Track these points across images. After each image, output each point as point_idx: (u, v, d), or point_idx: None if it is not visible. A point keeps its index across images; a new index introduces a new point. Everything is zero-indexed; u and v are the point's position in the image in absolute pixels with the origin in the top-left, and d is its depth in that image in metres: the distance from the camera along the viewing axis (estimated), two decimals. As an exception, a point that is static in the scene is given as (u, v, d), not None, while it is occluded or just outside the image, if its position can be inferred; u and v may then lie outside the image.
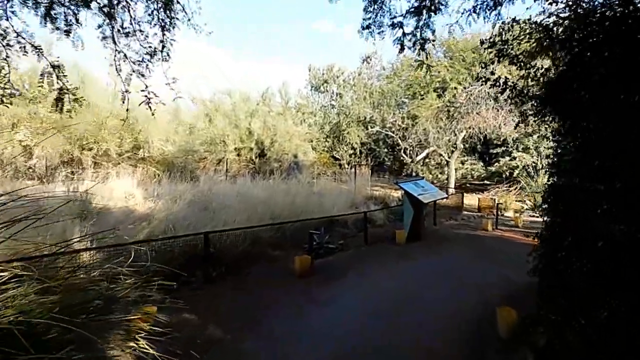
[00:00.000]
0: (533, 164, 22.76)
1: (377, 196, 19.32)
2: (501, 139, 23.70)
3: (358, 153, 30.26)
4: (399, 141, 24.66)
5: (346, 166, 28.85)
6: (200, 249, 8.02)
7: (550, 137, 6.87)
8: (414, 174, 27.88)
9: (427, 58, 6.91)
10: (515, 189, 23.76)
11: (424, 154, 25.01)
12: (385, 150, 29.99)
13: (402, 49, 6.52)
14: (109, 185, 15.03)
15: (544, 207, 6.02)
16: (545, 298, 5.25)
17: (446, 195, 14.05)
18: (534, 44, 5.51)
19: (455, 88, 23.55)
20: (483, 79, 6.20)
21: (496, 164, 25.50)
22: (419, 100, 25.49)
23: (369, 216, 14.68)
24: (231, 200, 13.29)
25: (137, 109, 22.91)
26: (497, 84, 6.21)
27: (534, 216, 18.10)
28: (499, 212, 16.46)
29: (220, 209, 11.77)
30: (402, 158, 25.72)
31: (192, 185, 17.24)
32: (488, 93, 22.56)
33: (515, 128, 12.45)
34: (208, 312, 6.41)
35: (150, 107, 6.00)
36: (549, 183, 6.01)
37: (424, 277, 8.50)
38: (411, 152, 24.84)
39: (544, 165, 20.89)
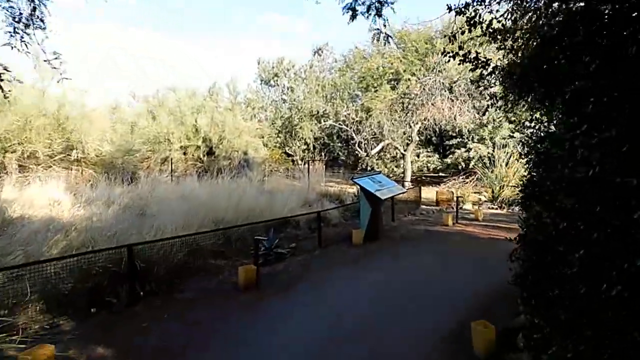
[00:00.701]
0: (489, 155, 22.42)
1: (331, 193, 18.40)
2: (456, 130, 23.27)
3: (311, 148, 29.32)
4: (353, 135, 23.86)
5: (299, 162, 27.86)
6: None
7: (531, 122, 6.15)
8: (369, 168, 27.20)
9: (385, 26, 5.94)
10: (471, 181, 23.43)
11: (379, 148, 24.31)
12: (340, 144, 29.19)
13: (353, 16, 5.52)
14: (33, 190, 13.44)
15: (526, 203, 5.23)
16: (535, 309, 4.39)
17: (404, 190, 13.30)
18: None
19: (409, 79, 22.96)
20: (450, 54, 5.27)
21: (452, 155, 25.12)
22: (373, 92, 24.81)
23: (323, 215, 13.76)
24: (173, 203, 12.06)
25: (71, 107, 21.31)
26: (467, 59, 5.30)
27: (492, 208, 17.67)
28: (458, 205, 15.87)
29: (160, 214, 10.53)
30: (356, 152, 24.93)
31: (132, 187, 15.84)
32: (442, 83, 22.12)
33: (483, 114, 11.67)
34: (124, 347, 5.27)
35: (1, 88, 4.69)
36: (530, 175, 5.23)
37: (384, 287, 7.60)
38: (366, 145, 24.11)
39: (501, 155, 20.59)
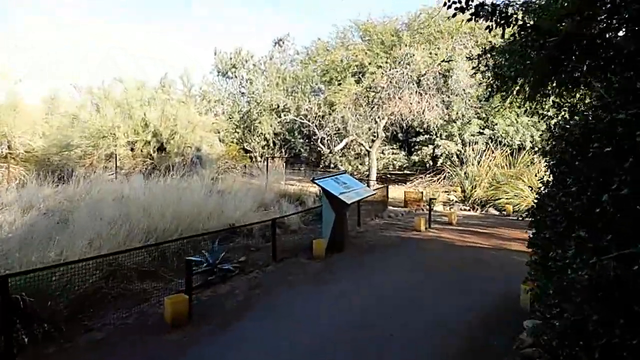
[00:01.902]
0: (458, 152, 21.35)
1: (291, 192, 16.87)
2: (424, 126, 22.10)
3: (271, 144, 27.64)
4: (316, 130, 22.35)
5: (259, 159, 26.18)
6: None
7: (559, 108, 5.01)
8: (332, 165, 25.80)
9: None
10: (439, 179, 22.33)
11: (342, 144, 22.90)
12: (302, 140, 27.64)
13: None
14: None
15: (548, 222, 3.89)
16: None
17: (373, 192, 11.87)
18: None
19: (374, 73, 21.64)
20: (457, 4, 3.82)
21: (418, 152, 23.96)
22: (336, 86, 23.38)
23: (281, 220, 12.24)
24: (107, 206, 10.25)
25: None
26: (482, 11, 3.87)
27: (465, 209, 16.52)
28: (428, 202, 14.58)
29: (79, 222, 8.72)
30: (319, 149, 23.44)
31: (65, 187, 13.89)
32: (410, 76, 20.88)
33: (487, 100, 10.43)
34: None
35: None
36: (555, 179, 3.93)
37: (352, 317, 6.11)
38: (329, 142, 22.63)
39: (470, 153, 19.51)
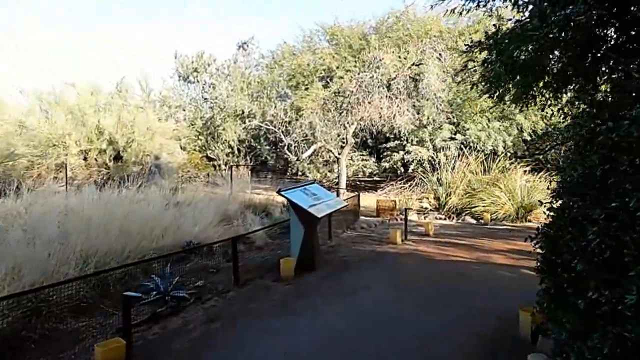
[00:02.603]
0: (430, 158, 20.70)
1: (257, 203, 15.83)
2: (394, 132, 21.38)
3: (236, 152, 26.46)
4: (282, 137, 21.31)
5: (223, 167, 24.97)
6: None
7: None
8: (300, 173, 24.84)
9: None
10: (410, 186, 21.65)
11: (310, 151, 21.93)
12: (268, 147, 26.54)
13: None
14: None
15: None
16: None
17: (345, 204, 10.92)
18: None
19: (342, 77, 20.86)
20: None
21: (389, 158, 23.23)
22: (303, 90, 22.51)
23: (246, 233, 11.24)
24: (49, 223, 9.00)
25: None
26: None
27: (440, 218, 15.80)
28: (403, 215, 13.78)
29: (17, 242, 7.49)
30: (285, 156, 22.41)
31: (3, 201, 12.49)
32: (380, 80, 20.16)
33: (493, 97, 9.65)
34: None
35: None
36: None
37: (325, 354, 5.14)
38: (296, 148, 21.63)
39: (442, 159, 18.89)
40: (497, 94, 9.18)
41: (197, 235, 10.30)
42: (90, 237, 8.12)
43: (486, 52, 6.00)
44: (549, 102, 9.24)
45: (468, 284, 7.96)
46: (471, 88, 9.78)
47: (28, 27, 54.67)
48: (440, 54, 20.69)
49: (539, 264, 4.34)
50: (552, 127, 24.69)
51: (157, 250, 9.06)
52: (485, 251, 10.70)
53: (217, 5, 62.71)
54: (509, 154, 20.15)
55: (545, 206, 4.21)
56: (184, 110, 26.57)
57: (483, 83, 9.14)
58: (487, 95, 9.62)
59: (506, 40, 4.90)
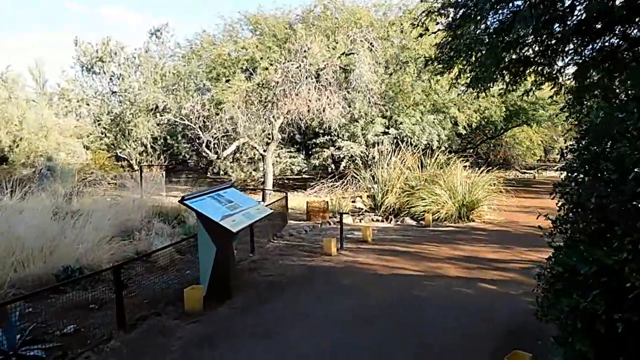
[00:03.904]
0: (362, 154, 19.33)
1: (170, 208, 13.63)
2: (324, 127, 19.82)
3: (150, 150, 23.81)
4: (200, 133, 19.06)
5: (137, 167, 22.31)
6: None
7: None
8: (222, 172, 22.68)
9: None
10: (342, 184, 20.20)
11: (232, 148, 19.81)
12: (187, 145, 24.08)
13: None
14: None
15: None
16: None
17: (269, 211, 9.01)
18: None
19: (267, 68, 19.01)
20: None
21: (319, 155, 21.65)
22: (224, 83, 20.43)
23: (148, 247, 9.24)
24: None
25: None
26: None
27: (377, 220, 14.36)
28: (337, 218, 12.07)
29: None
30: (205, 154, 20.16)
31: None
32: (308, 70, 18.48)
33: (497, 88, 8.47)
34: None
35: None
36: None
37: None
38: (216, 145, 19.45)
39: (375, 154, 17.54)
40: (451, 74, 7.75)
41: (82, 256, 8.12)
42: None
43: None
44: (509, 87, 7.98)
45: (424, 310, 6.43)
46: (425, 65, 8.35)
47: None
48: (371, 44, 19.35)
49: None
50: (486, 120, 24.34)
51: (20, 282, 6.87)
52: (433, 260, 9.29)
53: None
54: (444, 148, 19.21)
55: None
56: (87, 104, 23.49)
57: (437, 63, 7.70)
58: (439, 75, 8.19)
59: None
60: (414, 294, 7.19)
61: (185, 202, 6.79)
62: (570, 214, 3.68)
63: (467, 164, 15.44)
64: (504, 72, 7.22)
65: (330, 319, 6.16)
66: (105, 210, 11.34)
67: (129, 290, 6.93)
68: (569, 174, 3.65)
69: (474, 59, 7.39)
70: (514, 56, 7.23)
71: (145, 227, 11.23)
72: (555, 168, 31.89)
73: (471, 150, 27.19)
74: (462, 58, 7.37)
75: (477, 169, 15.53)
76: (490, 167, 15.97)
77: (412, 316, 6.21)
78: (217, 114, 19.45)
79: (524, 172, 31.47)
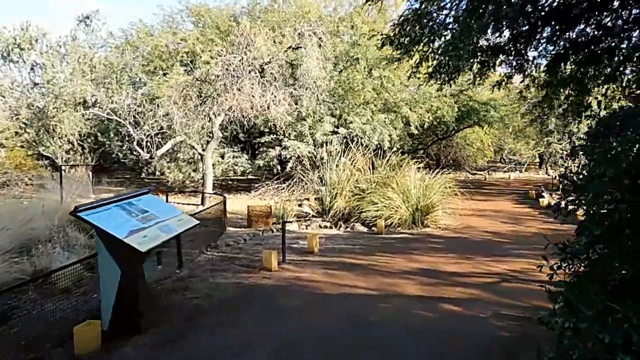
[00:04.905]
0: (310, 155, 18.15)
1: (92, 215, 11.83)
2: (270, 125, 18.52)
3: (79, 148, 21.65)
4: (130, 130, 17.23)
5: (65, 167, 20.15)
6: None
7: None
8: (158, 173, 20.93)
9: None
10: (289, 186, 18.99)
11: (167, 147, 18.08)
12: (120, 143, 22.07)
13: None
14: None
15: None
16: None
17: (195, 223, 7.50)
18: None
19: (208, 62, 17.51)
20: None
21: (264, 155, 20.34)
22: (161, 76, 18.80)
23: (46, 265, 7.68)
24: None
25: None
26: None
27: (325, 227, 13.20)
28: (281, 224, 10.72)
29: None
30: (136, 153, 18.33)
31: None
32: (252, 64, 17.08)
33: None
34: None
35: None
36: None
37: None
38: (150, 144, 17.68)
39: (324, 155, 16.39)
40: (411, 60, 6.66)
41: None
42: None
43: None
44: (477, 79, 6.96)
45: (380, 342, 5.26)
46: (381, 46, 7.18)
47: None
48: (320, 39, 18.19)
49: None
50: (439, 121, 23.76)
51: None
52: (388, 275, 8.17)
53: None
54: (396, 149, 18.35)
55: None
56: (3, 96, 21.03)
57: (393, 48, 6.58)
58: (397, 62, 7.07)
59: None
60: (368, 320, 6.02)
61: (79, 214, 5.32)
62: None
63: (421, 165, 14.51)
64: (472, 60, 6.18)
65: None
66: (5, 217, 9.61)
67: (9, 325, 5.46)
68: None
69: (437, 45, 6.35)
70: (484, 42, 6.24)
71: (56, 237, 9.57)
72: (505, 169, 32.13)
73: (422, 152, 26.62)
74: (423, 43, 6.30)
75: (429, 170, 14.67)
76: (442, 169, 15.16)
77: (367, 352, 5.03)
78: (151, 110, 17.77)
79: (474, 174, 31.32)
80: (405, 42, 6.12)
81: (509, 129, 25.33)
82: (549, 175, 30.90)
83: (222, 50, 17.48)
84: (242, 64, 17.09)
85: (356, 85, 19.09)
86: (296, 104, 18.03)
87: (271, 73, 17.42)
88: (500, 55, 6.45)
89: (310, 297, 7.01)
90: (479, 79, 6.64)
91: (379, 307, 6.51)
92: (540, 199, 17.87)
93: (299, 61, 17.77)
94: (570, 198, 3.02)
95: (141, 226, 5.69)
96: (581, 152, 3.10)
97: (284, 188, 19.23)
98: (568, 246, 2.85)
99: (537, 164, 34.52)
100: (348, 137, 18.49)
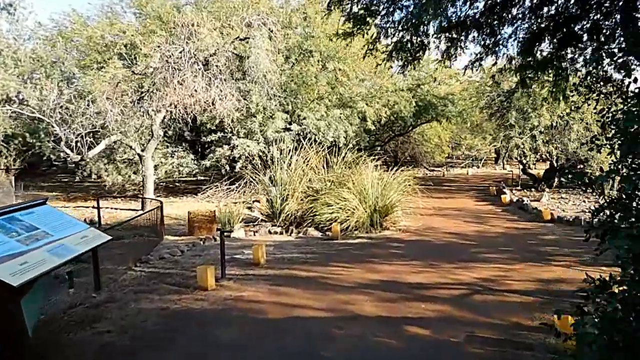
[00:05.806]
0: (261, 154, 16.89)
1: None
2: (217, 122, 17.14)
3: (4, 150, 19.61)
4: (56, 128, 15.42)
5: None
6: None
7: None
8: (94, 175, 19.13)
9: None
10: (238, 188, 17.70)
11: (100, 147, 16.35)
12: (52, 144, 20.11)
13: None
14: None
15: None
16: None
17: (104, 239, 6.08)
18: None
19: (149, 55, 15.95)
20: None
21: (212, 155, 18.93)
22: (97, 70, 17.06)
23: None
24: None
25: None
26: None
27: (275, 232, 11.98)
28: (220, 234, 9.30)
29: None
30: (64, 154, 16.50)
31: None
32: (195, 55, 15.65)
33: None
34: None
35: None
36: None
37: None
38: (80, 144, 15.91)
39: (277, 154, 15.14)
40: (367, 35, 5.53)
41: None
42: None
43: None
44: (443, 58, 5.89)
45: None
46: (327, 7, 5.99)
47: None
48: (270, 30, 16.91)
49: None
50: (396, 116, 22.93)
51: None
52: (342, 289, 7.03)
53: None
54: (352, 146, 17.33)
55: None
56: None
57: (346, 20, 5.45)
58: (350, 35, 5.90)
59: None
60: (319, 356, 4.88)
61: None
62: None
63: (378, 163, 13.51)
64: (440, 36, 5.12)
65: None
66: None
67: None
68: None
69: (397, 17, 5.25)
70: (453, 16, 5.20)
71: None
72: (462, 165, 31.76)
73: (379, 148, 25.81)
74: (381, 15, 5.19)
75: (387, 168, 13.70)
76: (400, 166, 14.24)
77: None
78: (84, 107, 16.04)
79: (433, 170, 30.88)
80: (360, 12, 4.98)
81: (467, 124, 24.84)
82: (505, 170, 30.84)
83: (161, 41, 15.97)
84: (184, 55, 15.64)
85: (310, 79, 17.96)
86: (245, 99, 16.73)
87: (216, 66, 16.04)
88: (472, 32, 5.41)
89: (251, 325, 5.77)
90: (446, 59, 5.58)
91: (333, 335, 5.37)
92: (502, 195, 17.28)
93: (248, 53, 16.45)
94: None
95: (21, 249, 4.33)
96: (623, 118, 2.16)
97: (233, 190, 17.93)
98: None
99: (494, 159, 34.43)
100: (301, 134, 17.32)
